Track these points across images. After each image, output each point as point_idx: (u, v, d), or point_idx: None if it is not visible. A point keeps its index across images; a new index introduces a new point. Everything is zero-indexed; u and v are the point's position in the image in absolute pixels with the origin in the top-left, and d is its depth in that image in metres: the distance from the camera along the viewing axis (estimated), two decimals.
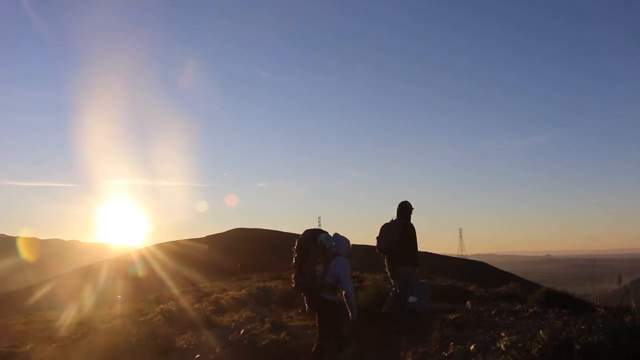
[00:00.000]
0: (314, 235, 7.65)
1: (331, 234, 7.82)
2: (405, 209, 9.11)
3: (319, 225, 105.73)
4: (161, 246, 72.37)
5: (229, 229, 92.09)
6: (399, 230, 8.93)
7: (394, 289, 9.55)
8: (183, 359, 10.31)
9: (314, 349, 7.78)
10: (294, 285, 7.84)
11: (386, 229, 9.11)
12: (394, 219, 9.20)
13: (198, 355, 10.10)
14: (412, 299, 9.13)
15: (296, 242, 7.75)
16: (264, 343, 9.41)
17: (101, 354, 11.21)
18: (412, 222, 9.29)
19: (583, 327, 3.91)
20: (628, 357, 3.49)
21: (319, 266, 7.41)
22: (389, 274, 9.53)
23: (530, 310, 10.22)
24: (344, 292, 7.69)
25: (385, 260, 9.41)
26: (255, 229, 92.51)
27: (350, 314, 7.92)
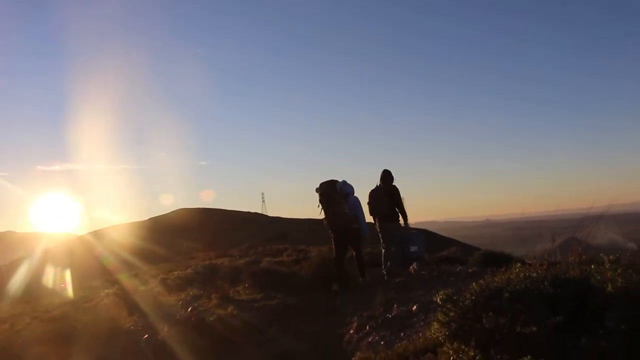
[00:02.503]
0: (332, 185, 10.27)
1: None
2: (389, 175, 10.45)
3: (263, 200, 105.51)
4: (101, 232, 70.70)
5: (172, 211, 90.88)
6: (388, 193, 10.28)
7: (384, 250, 10.55)
8: (131, 340, 10.24)
9: (357, 264, 10.52)
10: (327, 227, 10.39)
11: (375, 194, 10.38)
12: (378, 184, 10.50)
13: (146, 336, 10.06)
14: (413, 247, 10.41)
15: (319, 195, 10.28)
16: (211, 319, 9.47)
17: (45, 342, 11.02)
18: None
19: (511, 276, 4.17)
20: (552, 301, 3.75)
21: (345, 206, 10.09)
22: (380, 234, 10.53)
23: (470, 270, 10.64)
24: (359, 220, 10.24)
25: (377, 222, 10.49)
26: (199, 208, 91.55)
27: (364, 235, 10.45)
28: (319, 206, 10.42)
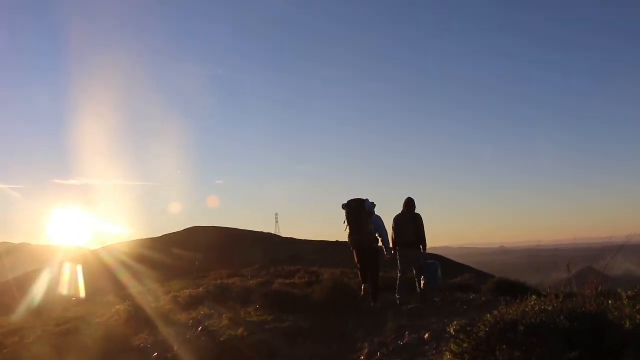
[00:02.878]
0: (361, 204, 10.61)
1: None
2: (413, 203, 10.66)
3: (277, 220, 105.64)
4: (114, 247, 71.02)
5: (186, 228, 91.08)
6: (415, 221, 10.50)
7: (400, 275, 10.61)
8: (141, 358, 10.22)
9: (370, 286, 10.66)
10: (351, 245, 10.75)
11: (401, 220, 10.59)
12: (402, 211, 10.70)
13: (156, 354, 10.03)
14: (433, 277, 10.53)
15: (347, 211, 10.63)
16: (222, 339, 9.42)
17: (55, 357, 11.02)
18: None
19: (527, 309, 4.11)
20: (568, 336, 3.68)
21: (370, 225, 10.49)
22: (400, 260, 10.60)
23: (483, 299, 10.54)
24: (381, 238, 10.68)
25: (399, 247, 10.61)
26: (212, 227, 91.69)
27: (385, 253, 10.78)
28: (344, 222, 10.75)
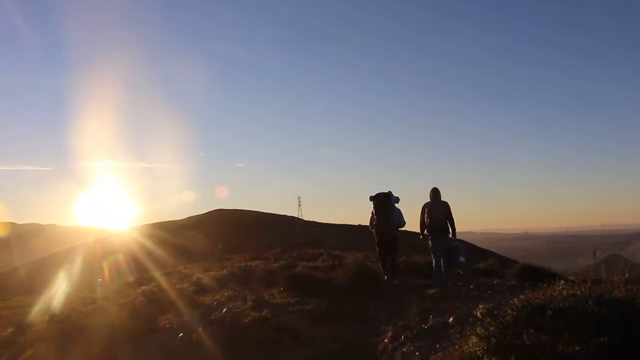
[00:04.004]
0: (388, 196, 11.92)
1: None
2: (438, 192, 11.45)
3: (299, 204, 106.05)
4: (140, 229, 71.80)
5: (209, 210, 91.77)
6: (444, 208, 11.29)
7: (436, 261, 11.10)
8: (166, 338, 10.38)
9: (390, 266, 11.75)
10: (375, 232, 11.89)
11: (433, 209, 11.27)
12: (430, 200, 11.40)
13: (181, 334, 10.19)
14: (461, 258, 11.28)
15: (375, 204, 11.89)
16: (246, 320, 9.52)
17: (83, 335, 11.25)
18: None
19: (554, 293, 4.08)
20: (596, 321, 3.65)
21: (394, 216, 11.76)
22: (432, 244, 11.16)
23: (508, 284, 10.48)
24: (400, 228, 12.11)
25: (430, 233, 11.19)
26: (236, 209, 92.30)
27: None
28: (372, 212, 12.02)
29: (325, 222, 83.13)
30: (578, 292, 4.16)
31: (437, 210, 11.26)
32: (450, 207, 11.43)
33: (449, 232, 11.26)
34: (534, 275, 11.19)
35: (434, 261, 11.15)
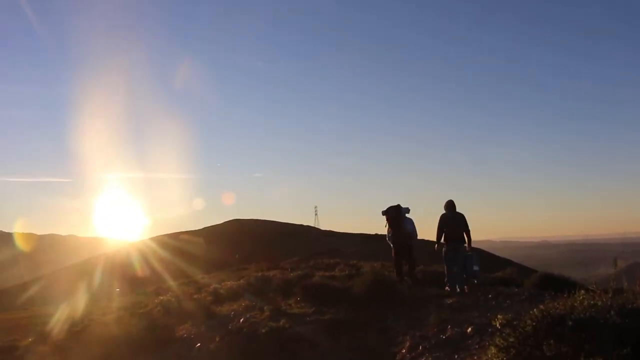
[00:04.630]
0: (398, 209, 12.78)
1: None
2: (453, 204, 11.85)
3: (316, 213, 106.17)
4: (158, 239, 72.21)
5: (225, 221, 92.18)
6: (462, 220, 11.72)
7: (450, 269, 11.53)
8: (184, 348, 10.41)
9: (408, 269, 12.74)
10: (392, 242, 12.72)
11: (450, 221, 11.68)
12: (446, 212, 11.80)
13: (199, 344, 10.21)
14: (475, 267, 11.67)
15: (387, 216, 12.78)
16: (263, 331, 9.51)
17: (102, 345, 11.31)
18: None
19: (575, 304, 4.02)
20: (618, 332, 3.59)
21: (406, 226, 12.67)
22: (449, 255, 11.49)
23: (527, 293, 10.36)
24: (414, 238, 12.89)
25: (447, 243, 11.55)
26: (252, 219, 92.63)
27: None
28: (385, 225, 12.89)
29: (342, 231, 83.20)
30: (599, 302, 4.10)
31: (455, 222, 11.71)
32: (466, 218, 11.89)
33: (465, 242, 11.64)
34: (553, 284, 11.07)
35: (446, 268, 11.66)
